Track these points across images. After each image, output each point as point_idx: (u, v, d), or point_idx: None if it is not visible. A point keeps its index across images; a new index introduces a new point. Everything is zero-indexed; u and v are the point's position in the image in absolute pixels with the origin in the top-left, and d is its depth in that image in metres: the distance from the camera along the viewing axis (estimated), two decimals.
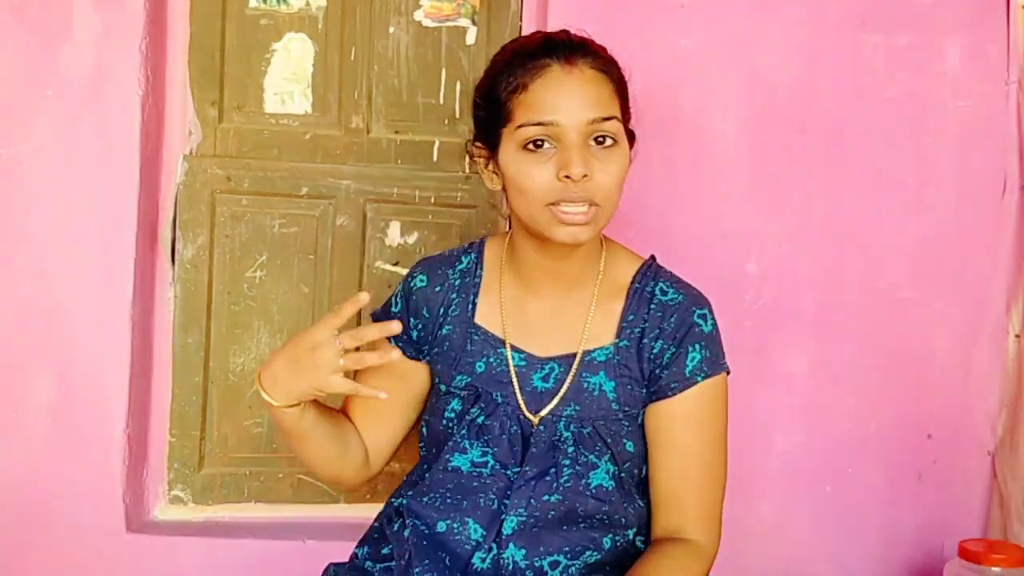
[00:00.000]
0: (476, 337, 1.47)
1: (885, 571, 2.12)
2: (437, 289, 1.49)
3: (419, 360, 1.50)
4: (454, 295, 1.49)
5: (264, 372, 1.35)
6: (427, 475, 1.44)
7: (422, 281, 1.50)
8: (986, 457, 2.11)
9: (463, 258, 1.52)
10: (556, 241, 1.36)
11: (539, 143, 1.34)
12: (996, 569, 1.81)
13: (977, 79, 2.09)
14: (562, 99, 1.34)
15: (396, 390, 1.48)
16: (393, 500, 1.52)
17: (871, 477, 2.11)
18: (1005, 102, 2.09)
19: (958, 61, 2.08)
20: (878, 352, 2.09)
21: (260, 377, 1.36)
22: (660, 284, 1.46)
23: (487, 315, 1.48)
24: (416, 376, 1.51)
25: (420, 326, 1.49)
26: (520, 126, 1.35)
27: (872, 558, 2.12)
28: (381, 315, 1.53)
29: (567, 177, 1.32)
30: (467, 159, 1.50)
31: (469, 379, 1.45)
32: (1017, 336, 2.08)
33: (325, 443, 1.43)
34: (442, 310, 1.49)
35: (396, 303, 1.51)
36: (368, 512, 1.74)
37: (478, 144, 1.44)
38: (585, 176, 1.32)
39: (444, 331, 1.48)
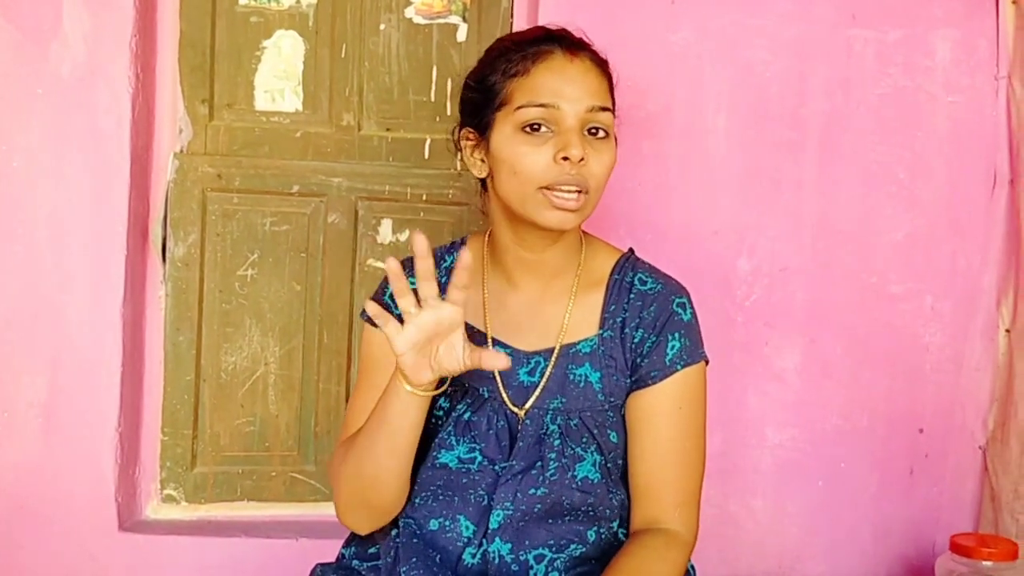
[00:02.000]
0: None
1: (877, 565, 2.13)
2: None
3: None
4: (442, 293, 1.49)
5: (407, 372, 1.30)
6: (416, 474, 1.44)
7: (415, 283, 1.50)
8: (977, 451, 2.12)
9: (447, 257, 1.52)
10: (543, 226, 1.36)
11: (536, 126, 1.35)
12: (987, 563, 1.82)
13: (967, 74, 2.09)
14: (565, 84, 1.36)
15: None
16: None
17: (863, 472, 2.11)
18: (995, 97, 2.09)
19: (948, 56, 2.09)
20: (869, 347, 2.10)
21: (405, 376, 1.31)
22: (639, 274, 1.47)
23: (471, 311, 1.48)
24: None
25: None
26: (520, 107, 1.35)
27: (864, 552, 2.13)
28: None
29: (565, 159, 1.33)
30: (453, 146, 1.48)
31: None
32: (1008, 331, 2.09)
33: (412, 448, 1.37)
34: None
35: (396, 305, 1.50)
36: None
37: (467, 129, 1.44)
38: (582, 160, 1.33)
39: None
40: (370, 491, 1.38)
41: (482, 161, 1.43)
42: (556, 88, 1.35)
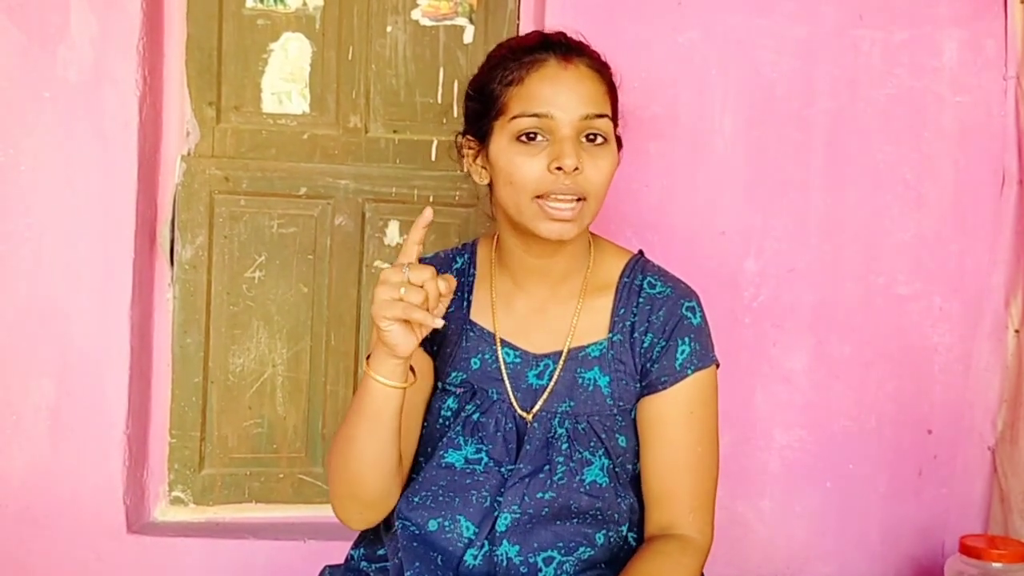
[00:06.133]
0: (472, 334, 1.47)
1: (886, 567, 2.12)
2: None
3: (431, 357, 1.50)
4: (457, 293, 1.49)
5: (375, 355, 1.31)
6: (420, 473, 1.44)
7: None
8: (986, 452, 2.11)
9: (457, 259, 1.53)
10: (541, 237, 1.36)
11: (532, 135, 1.35)
12: (997, 564, 1.81)
13: (975, 74, 2.09)
14: (559, 93, 1.35)
15: (422, 391, 1.47)
16: None
17: (871, 473, 2.11)
18: (1003, 96, 2.09)
19: (955, 56, 2.08)
20: (877, 348, 2.10)
21: (372, 363, 1.30)
22: (648, 278, 1.46)
23: (481, 313, 1.48)
24: (432, 375, 1.50)
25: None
26: (514, 117, 1.35)
27: (873, 554, 2.12)
28: None
29: (559, 169, 1.32)
30: (456, 153, 1.48)
31: (464, 375, 1.46)
32: (1016, 331, 2.08)
33: (393, 441, 1.35)
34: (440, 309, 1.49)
35: None
36: None
37: (468, 137, 1.45)
38: (576, 169, 1.32)
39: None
40: (356, 484, 1.37)
41: (483, 168, 1.43)
42: (550, 97, 1.34)
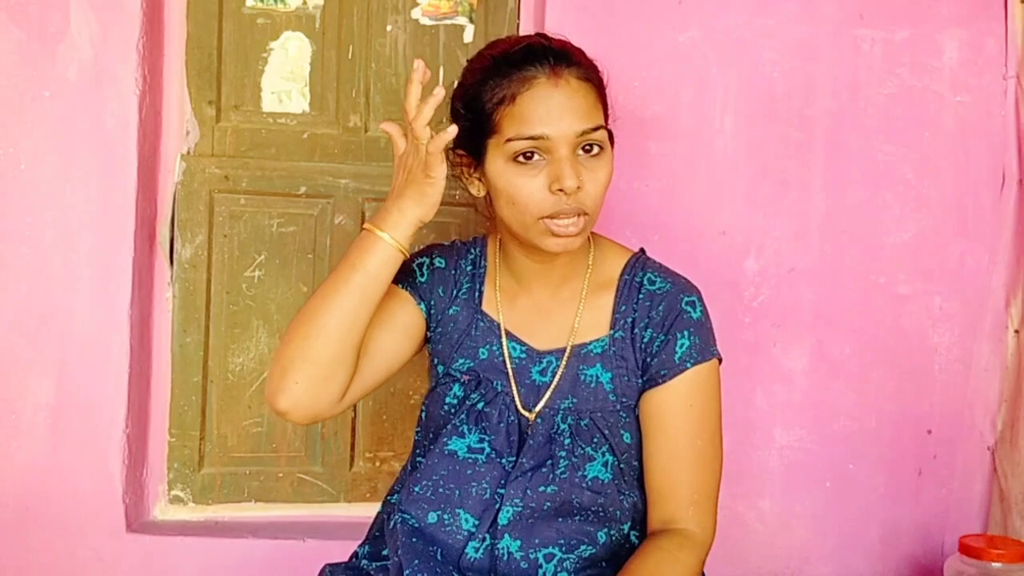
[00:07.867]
0: (482, 324, 1.48)
1: (885, 567, 2.12)
2: (453, 272, 1.52)
3: (428, 328, 1.51)
4: (465, 280, 1.51)
5: (387, 212, 1.37)
6: (422, 459, 1.44)
7: (440, 263, 1.52)
8: (986, 452, 2.11)
9: (471, 250, 1.55)
10: (546, 251, 1.39)
11: (529, 155, 1.35)
12: (996, 564, 1.81)
13: (975, 74, 2.08)
14: (552, 112, 1.34)
15: (396, 342, 1.47)
16: (390, 497, 1.53)
17: (871, 473, 2.11)
18: (1003, 97, 2.09)
19: (956, 56, 2.08)
20: (878, 348, 2.09)
21: (378, 221, 1.36)
22: (648, 274, 1.47)
23: (490, 304, 1.50)
24: (414, 337, 1.50)
25: (433, 302, 1.50)
26: (509, 140, 1.35)
27: (873, 554, 2.12)
28: (402, 280, 1.50)
29: (560, 191, 1.33)
30: (447, 164, 1.46)
31: (471, 364, 1.47)
32: (1016, 331, 2.08)
33: (370, 312, 1.37)
34: (454, 291, 1.50)
35: (422, 273, 1.50)
36: (368, 511, 1.74)
37: (460, 152, 1.44)
38: (578, 188, 1.33)
39: (451, 311, 1.49)
40: (319, 340, 1.34)
41: (479, 181, 1.43)
42: (543, 117, 1.34)
